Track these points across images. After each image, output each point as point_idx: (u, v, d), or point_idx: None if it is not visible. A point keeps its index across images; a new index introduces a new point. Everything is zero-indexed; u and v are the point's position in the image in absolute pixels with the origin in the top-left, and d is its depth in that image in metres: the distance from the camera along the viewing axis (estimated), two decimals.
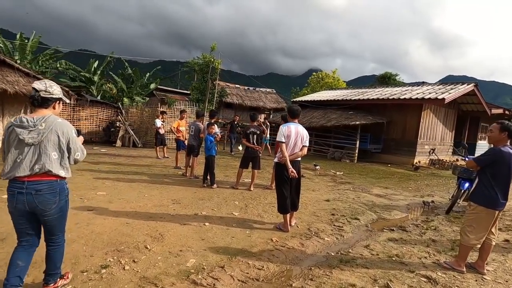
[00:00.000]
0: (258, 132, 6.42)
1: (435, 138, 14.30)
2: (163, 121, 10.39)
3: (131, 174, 7.15)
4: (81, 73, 21.03)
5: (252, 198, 5.61)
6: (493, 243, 3.31)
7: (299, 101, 18.24)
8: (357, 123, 12.72)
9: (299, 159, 4.23)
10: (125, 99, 21.11)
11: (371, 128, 14.03)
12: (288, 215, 4.14)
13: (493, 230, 3.29)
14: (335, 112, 15.23)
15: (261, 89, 22.89)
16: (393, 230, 4.55)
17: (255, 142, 6.37)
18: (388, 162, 13.47)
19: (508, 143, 3.17)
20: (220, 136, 6.84)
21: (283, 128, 4.10)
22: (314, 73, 27.88)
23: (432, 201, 6.49)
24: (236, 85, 21.81)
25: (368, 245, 3.85)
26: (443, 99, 11.52)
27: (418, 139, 13.12)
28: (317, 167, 10.00)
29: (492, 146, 3.31)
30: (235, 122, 12.94)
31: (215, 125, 6.73)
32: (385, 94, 14.52)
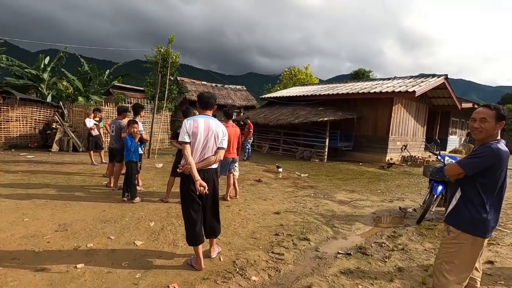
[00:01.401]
0: None
1: (407, 133, 13.68)
2: (99, 120, 8.85)
3: (38, 187, 5.66)
4: (26, 70, 18.76)
5: (178, 216, 4.36)
6: (478, 285, 2.27)
7: (267, 97, 17.16)
8: (325, 119, 11.77)
9: (215, 166, 3.02)
10: (80, 98, 19.15)
11: (341, 125, 13.18)
12: (200, 247, 2.92)
13: (477, 265, 2.26)
14: (305, 109, 14.26)
15: (230, 86, 21.61)
16: (349, 254, 3.46)
17: None
18: (360, 161, 12.66)
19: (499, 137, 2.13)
20: (142, 136, 5.50)
21: (187, 123, 2.87)
22: (286, 69, 26.96)
23: (414, 209, 5.50)
24: (203, 82, 20.39)
25: (310, 286, 2.72)
26: (414, 92, 10.80)
27: (390, 135, 12.39)
28: (279, 169, 8.90)
29: (468, 140, 2.25)
30: None
31: (139, 123, 5.40)
32: (355, 89, 13.73)
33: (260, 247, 3.52)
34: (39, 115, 11.93)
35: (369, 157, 12.74)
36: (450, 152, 18.33)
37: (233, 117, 5.75)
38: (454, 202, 2.22)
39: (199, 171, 2.76)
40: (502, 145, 2.00)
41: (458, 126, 19.78)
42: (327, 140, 12.31)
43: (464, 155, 18.19)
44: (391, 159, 12.54)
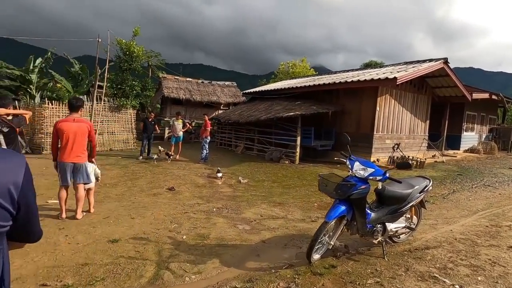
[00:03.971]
0: (5, 129, 3.90)
1: (400, 130, 11.58)
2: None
3: None
4: (11, 70, 18.76)
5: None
6: None
7: (246, 93, 15.68)
8: (291, 114, 10.07)
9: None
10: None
11: (323, 121, 11.39)
12: None
13: None
14: (281, 103, 12.61)
15: (218, 82, 20.34)
16: None
17: (1, 144, 3.85)
18: (341, 162, 10.79)
19: None
20: None
21: None
22: (281, 63, 25.19)
23: (345, 246, 3.65)
24: (188, 79, 19.29)
25: None
26: (395, 78, 8.81)
27: (375, 132, 10.43)
28: (219, 174, 7.45)
29: None
30: (150, 120, 10.46)
31: None
32: (334, 79, 11.85)
33: None
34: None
35: None
36: (465, 151, 15.71)
37: (80, 109, 4.31)
38: None
39: None
40: None
41: (477, 121, 16.96)
42: (299, 138, 10.61)
43: (482, 154, 15.50)
44: (377, 160, 10.57)
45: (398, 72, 9.68)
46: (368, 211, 3.22)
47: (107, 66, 10.22)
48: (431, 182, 3.68)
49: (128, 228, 3.90)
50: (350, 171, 3.20)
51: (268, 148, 11.89)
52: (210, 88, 19.37)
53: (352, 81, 10.16)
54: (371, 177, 3.05)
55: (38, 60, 20.51)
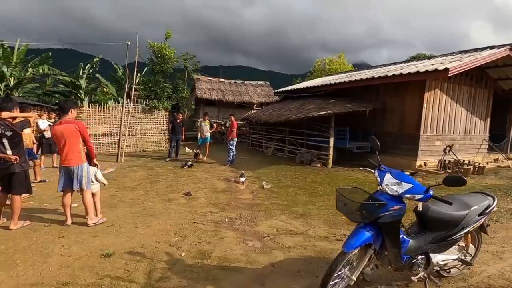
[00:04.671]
0: (9, 133, 3.81)
1: (453, 130, 10.05)
2: (54, 122, 8.33)
3: None
4: (62, 76, 20.45)
5: None
6: None
7: (278, 92, 15.05)
8: (328, 112, 9.21)
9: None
10: (110, 102, 20.08)
11: (360, 120, 10.34)
12: None
13: None
14: (314, 102, 11.78)
15: (251, 82, 19.97)
16: None
17: (6, 148, 3.78)
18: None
19: None
20: None
21: None
22: (317, 60, 23.86)
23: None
24: (221, 79, 19.25)
25: None
26: (446, 70, 7.52)
27: (422, 132, 9.14)
28: (241, 178, 7.00)
29: None
30: (178, 121, 10.42)
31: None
32: (373, 74, 10.69)
33: None
34: (48, 118, 12.35)
35: (394, 161, 9.61)
36: None
37: (72, 111, 4.08)
38: None
39: None
40: None
41: None
42: (332, 139, 9.71)
43: None
44: (424, 164, 9.26)
45: (450, 62, 8.31)
46: (405, 238, 2.46)
47: (136, 69, 10.40)
48: (495, 201, 2.77)
49: (127, 240, 3.59)
50: (380, 185, 2.47)
51: (300, 150, 11.15)
52: (243, 88, 19.10)
53: (394, 75, 9.00)
54: (407, 195, 2.30)
55: (87, 67, 22.07)
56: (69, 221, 4.01)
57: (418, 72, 8.36)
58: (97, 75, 22.74)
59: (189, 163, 8.84)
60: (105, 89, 23.86)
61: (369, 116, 9.95)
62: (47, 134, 8.11)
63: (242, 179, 6.97)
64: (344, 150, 10.24)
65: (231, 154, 9.78)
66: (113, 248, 3.33)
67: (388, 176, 2.47)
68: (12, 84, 20.08)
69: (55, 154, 8.23)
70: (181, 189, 6.20)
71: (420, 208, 2.42)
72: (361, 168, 3.26)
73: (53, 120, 8.43)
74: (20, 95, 21.21)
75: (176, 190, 6.12)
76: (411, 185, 2.33)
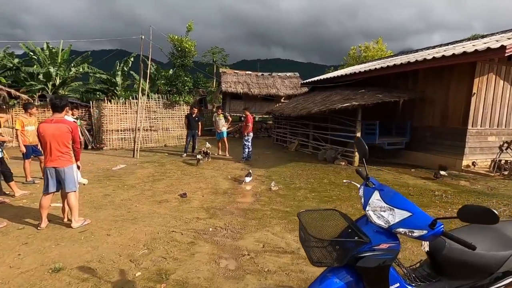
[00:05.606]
0: None
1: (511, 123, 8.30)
2: (76, 118, 8.56)
3: None
4: (98, 74, 21.52)
5: None
6: None
7: (304, 83, 14.01)
8: (352, 104, 8.12)
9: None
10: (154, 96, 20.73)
11: (394, 112, 9.06)
12: None
13: None
14: (341, 93, 10.66)
15: (279, 74, 19.07)
16: None
17: None
18: (417, 165, 8.39)
19: None
20: None
21: None
22: (352, 47, 21.81)
23: None
24: (247, 72, 18.67)
25: None
26: (502, 48, 6.01)
27: (470, 126, 7.65)
28: (247, 178, 6.39)
29: None
30: (193, 115, 10.09)
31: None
32: (410, 58, 9.24)
33: None
34: (72, 114, 12.96)
35: (434, 160, 8.28)
36: None
37: (65, 109, 3.88)
38: None
39: None
40: None
41: None
42: (359, 134, 8.60)
43: None
44: (473, 164, 7.77)
45: (509, 39, 6.71)
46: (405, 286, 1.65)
47: (149, 62, 10.26)
48: None
49: (89, 251, 3.21)
50: (363, 206, 1.68)
51: (324, 146, 10.18)
52: (270, 81, 18.33)
53: (434, 58, 7.59)
54: (401, 230, 1.49)
55: (121, 65, 22.98)
56: (43, 224, 3.78)
57: (465, 53, 6.90)
58: (131, 72, 23.66)
59: (199, 156, 8.47)
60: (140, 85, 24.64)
61: (405, 107, 8.64)
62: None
63: (248, 179, 6.36)
64: (374, 146, 9.06)
65: (246, 150, 9.20)
66: (68, 261, 2.96)
67: (376, 196, 1.66)
68: (58, 83, 21.75)
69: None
70: (180, 189, 5.78)
71: (426, 248, 1.58)
72: (344, 181, 2.44)
73: (75, 117, 8.63)
74: (66, 93, 22.94)
75: (175, 190, 5.71)
76: (409, 214, 1.50)
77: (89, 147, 11.30)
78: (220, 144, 10.42)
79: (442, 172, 6.91)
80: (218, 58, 22.66)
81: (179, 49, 12.26)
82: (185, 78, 12.65)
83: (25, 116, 6.07)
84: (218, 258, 3.11)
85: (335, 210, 1.83)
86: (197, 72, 17.20)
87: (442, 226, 1.44)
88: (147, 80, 10.48)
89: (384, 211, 1.56)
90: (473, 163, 7.80)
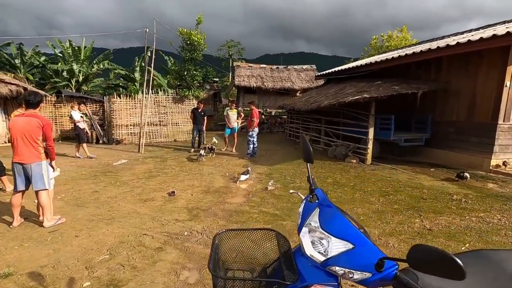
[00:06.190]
0: None
1: None
2: (84, 114, 8.69)
3: None
4: (118, 71, 21.99)
5: None
6: None
7: (319, 75, 13.30)
8: (363, 97, 7.45)
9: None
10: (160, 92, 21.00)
11: (414, 105, 8.22)
12: None
13: None
14: (356, 85, 9.91)
15: (294, 66, 18.37)
16: None
17: None
18: (437, 164, 7.58)
19: None
20: None
21: None
22: (373, 37, 20.33)
23: None
24: (262, 65, 18.16)
25: None
26: None
27: (501, 120, 6.73)
28: (242, 177, 6.03)
29: None
30: (199, 110, 9.86)
31: None
32: (433, 45, 8.33)
33: None
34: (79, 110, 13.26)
35: (458, 158, 7.44)
36: None
37: (39, 105, 3.70)
38: None
39: None
40: None
41: None
42: (371, 130, 7.91)
43: None
44: (504, 163, 6.85)
45: None
46: None
47: (153, 56, 10.12)
48: None
49: (49, 254, 3.01)
50: (298, 232, 1.25)
51: (335, 142, 9.54)
52: (285, 74, 17.72)
53: (458, 43, 6.71)
54: (338, 269, 1.05)
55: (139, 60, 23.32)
56: (15, 223, 3.67)
57: (495, 36, 6.00)
58: (148, 67, 23.97)
59: (202, 151, 8.26)
60: (158, 81, 25.02)
61: (425, 100, 7.84)
62: (81, 125, 8.43)
63: (243, 177, 5.99)
64: (390, 143, 8.32)
65: (251, 146, 8.81)
66: (22, 265, 2.78)
67: (314, 217, 1.23)
68: (81, 79, 22.56)
69: (84, 144, 8.46)
70: (172, 186, 5.54)
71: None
72: (291, 191, 2.00)
73: (82, 112, 8.73)
74: (89, 89, 23.78)
75: (166, 188, 5.48)
76: (350, 246, 1.06)
77: (100, 141, 11.48)
78: (228, 139, 10.11)
79: (465, 174, 6.10)
80: (234, 52, 22.35)
81: (188, 42, 12.04)
82: (194, 72, 12.45)
83: (20, 110, 6.08)
84: (180, 268, 2.78)
85: (271, 230, 1.42)
86: (206, 66, 16.95)
87: (396, 268, 0.98)
88: (148, 73, 10.33)
89: (322, 239, 1.13)
90: (504, 163, 6.87)
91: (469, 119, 7.38)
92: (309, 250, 1.13)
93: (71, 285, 2.50)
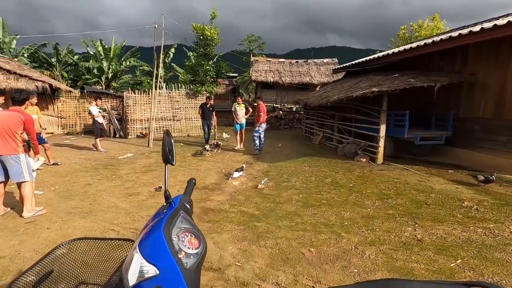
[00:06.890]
0: None
1: None
2: (102, 109, 9.07)
3: None
4: (142, 67, 22.75)
5: None
6: None
7: (337, 69, 12.65)
8: (372, 91, 6.87)
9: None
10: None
11: (435, 100, 7.47)
12: None
13: None
14: (373, 78, 9.24)
15: (314, 60, 17.68)
16: None
17: None
18: (459, 165, 6.83)
19: None
20: None
21: None
22: (402, 27, 18.73)
23: None
24: (280, 60, 17.72)
25: None
26: None
27: None
28: (235, 174, 5.85)
29: None
30: (207, 106, 9.78)
31: None
32: (452, 34, 7.46)
33: None
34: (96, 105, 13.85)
35: (483, 159, 6.64)
36: None
37: (24, 102, 3.89)
38: None
39: None
40: None
41: None
42: (383, 127, 7.31)
43: None
44: None
45: None
46: None
47: (162, 52, 10.20)
48: None
49: (15, 245, 3.09)
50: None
51: (347, 139, 9.01)
52: (304, 68, 17.15)
53: (482, 29, 5.90)
54: None
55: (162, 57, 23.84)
56: None
57: None
58: (172, 64, 24.58)
59: (207, 147, 8.24)
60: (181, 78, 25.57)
61: (447, 94, 7.11)
62: (100, 120, 8.78)
63: (236, 174, 5.81)
64: (406, 141, 7.65)
65: (257, 141, 8.58)
66: None
67: (144, 231, 1.01)
68: (110, 76, 23.76)
69: (98, 140, 8.79)
70: (162, 181, 5.52)
71: None
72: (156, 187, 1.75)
73: (100, 107, 9.10)
74: (118, 85, 24.98)
75: (157, 182, 5.47)
76: (154, 273, 0.84)
77: (117, 135, 11.94)
78: (238, 136, 9.85)
79: (493, 177, 5.33)
80: (255, 47, 22.10)
81: (201, 37, 12.03)
82: (207, 67, 12.44)
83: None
84: None
85: (129, 241, 1.23)
86: (219, 61, 16.91)
87: None
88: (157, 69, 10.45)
89: (137, 259, 0.92)
90: None
91: (497, 116, 6.52)
92: (131, 271, 0.93)
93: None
